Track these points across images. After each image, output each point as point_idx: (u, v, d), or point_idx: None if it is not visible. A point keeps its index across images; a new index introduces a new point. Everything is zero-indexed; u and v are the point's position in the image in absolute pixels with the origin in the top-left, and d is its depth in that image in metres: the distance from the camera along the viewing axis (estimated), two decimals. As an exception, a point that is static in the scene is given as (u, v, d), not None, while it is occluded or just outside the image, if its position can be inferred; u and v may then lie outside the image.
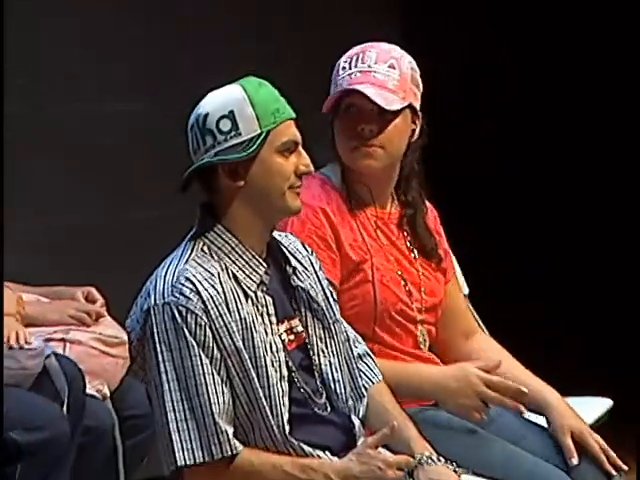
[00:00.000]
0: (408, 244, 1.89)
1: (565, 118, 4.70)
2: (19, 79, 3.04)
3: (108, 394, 2.30)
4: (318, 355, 1.58)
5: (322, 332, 1.60)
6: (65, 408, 2.17)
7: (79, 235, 3.38)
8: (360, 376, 1.66)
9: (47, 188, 3.32)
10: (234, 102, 1.50)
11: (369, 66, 1.80)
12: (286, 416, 1.49)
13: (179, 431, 1.46)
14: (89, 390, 2.22)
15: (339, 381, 1.58)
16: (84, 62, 3.44)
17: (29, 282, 2.58)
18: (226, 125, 1.49)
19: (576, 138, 4.69)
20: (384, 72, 1.80)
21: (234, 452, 1.46)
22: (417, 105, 1.85)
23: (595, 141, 4.69)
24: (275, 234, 1.60)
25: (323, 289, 1.64)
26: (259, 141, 1.48)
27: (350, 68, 1.82)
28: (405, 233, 1.90)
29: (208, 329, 1.46)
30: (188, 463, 1.45)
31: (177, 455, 1.46)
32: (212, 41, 3.66)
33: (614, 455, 1.83)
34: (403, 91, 1.80)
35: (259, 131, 1.48)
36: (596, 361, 4.16)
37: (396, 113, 1.79)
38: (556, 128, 4.72)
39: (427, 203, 1.95)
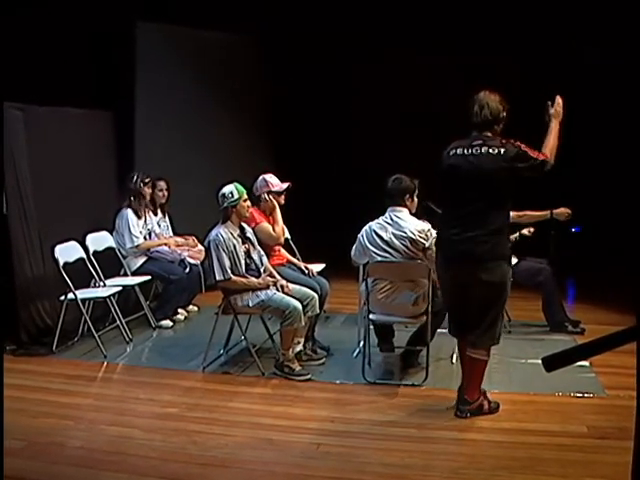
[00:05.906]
0: None
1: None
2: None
3: (199, 263, 7.13)
4: (251, 253, 6.02)
5: (252, 247, 6.05)
6: (187, 270, 7.05)
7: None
8: (262, 261, 6.10)
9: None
10: (232, 188, 5.94)
11: None
12: (243, 268, 5.92)
13: (216, 269, 5.82)
14: (193, 262, 7.10)
15: (257, 261, 6.04)
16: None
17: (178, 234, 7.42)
18: (229, 194, 5.92)
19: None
20: None
21: (231, 277, 5.83)
22: None
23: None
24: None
25: (252, 236, 6.08)
26: (238, 199, 5.93)
27: None
28: None
29: (225, 245, 5.86)
30: (218, 279, 5.83)
31: (216, 276, 5.84)
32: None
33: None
34: None
35: (238, 196, 5.92)
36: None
37: None
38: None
39: None
